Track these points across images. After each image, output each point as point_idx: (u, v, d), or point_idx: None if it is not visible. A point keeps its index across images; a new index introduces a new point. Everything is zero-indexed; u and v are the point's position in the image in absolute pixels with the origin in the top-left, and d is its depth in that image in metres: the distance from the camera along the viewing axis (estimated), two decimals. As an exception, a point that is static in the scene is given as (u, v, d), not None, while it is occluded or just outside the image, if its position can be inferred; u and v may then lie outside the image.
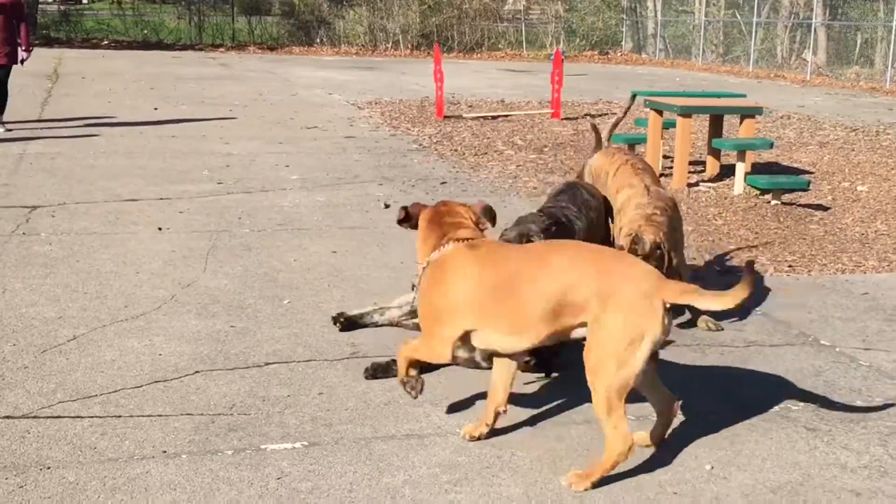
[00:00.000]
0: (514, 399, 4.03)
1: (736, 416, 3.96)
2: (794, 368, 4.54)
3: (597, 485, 3.27)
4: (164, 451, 3.46)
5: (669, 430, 3.77)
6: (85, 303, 5.08)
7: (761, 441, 3.74)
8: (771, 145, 9.42)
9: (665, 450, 3.61)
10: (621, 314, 3.21)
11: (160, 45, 27.58)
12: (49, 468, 3.31)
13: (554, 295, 3.32)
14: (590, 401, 4.03)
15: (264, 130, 11.80)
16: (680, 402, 3.51)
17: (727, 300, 3.25)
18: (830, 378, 4.44)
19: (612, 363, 3.21)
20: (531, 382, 4.25)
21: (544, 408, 3.95)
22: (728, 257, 6.59)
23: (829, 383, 4.37)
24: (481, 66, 25.04)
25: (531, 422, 3.84)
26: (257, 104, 14.44)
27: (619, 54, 30.56)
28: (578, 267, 3.34)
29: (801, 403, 4.12)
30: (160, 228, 6.72)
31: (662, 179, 5.49)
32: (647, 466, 3.47)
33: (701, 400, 4.12)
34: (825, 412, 4.04)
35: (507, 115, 14.12)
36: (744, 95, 12.13)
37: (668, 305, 3.23)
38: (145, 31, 29.61)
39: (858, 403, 4.15)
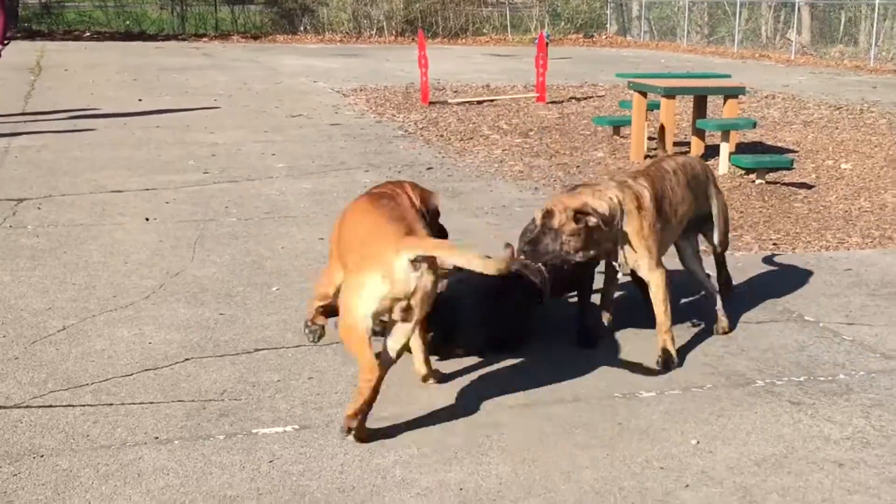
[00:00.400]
0: (504, 380, 4.09)
1: (721, 391, 4.02)
2: (778, 344, 4.59)
3: (360, 415, 3.38)
4: (157, 438, 3.49)
5: (656, 408, 3.84)
6: (74, 293, 5.10)
7: (746, 415, 3.80)
8: (754, 125, 9.47)
9: (651, 425, 3.66)
10: (355, 270, 3.44)
11: (143, 36, 27.44)
12: (42, 456, 3.33)
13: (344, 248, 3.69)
14: (578, 378, 4.11)
15: (249, 119, 11.78)
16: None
17: (489, 265, 3.35)
18: (814, 353, 4.50)
19: (343, 308, 3.44)
20: (520, 362, 4.29)
21: (532, 387, 3.99)
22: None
23: (813, 358, 4.43)
24: (466, 51, 25.02)
25: (520, 402, 3.88)
26: (242, 93, 14.41)
27: (604, 37, 30.57)
28: (351, 228, 3.66)
29: (786, 378, 4.18)
30: (147, 219, 6.73)
31: (647, 161, 5.45)
32: (633, 441, 3.53)
33: (686, 376, 4.17)
34: (809, 386, 4.10)
35: (492, 100, 14.13)
36: (728, 76, 12.16)
37: (412, 259, 3.29)
38: (128, 23, 29.44)
39: (842, 377, 4.21)
